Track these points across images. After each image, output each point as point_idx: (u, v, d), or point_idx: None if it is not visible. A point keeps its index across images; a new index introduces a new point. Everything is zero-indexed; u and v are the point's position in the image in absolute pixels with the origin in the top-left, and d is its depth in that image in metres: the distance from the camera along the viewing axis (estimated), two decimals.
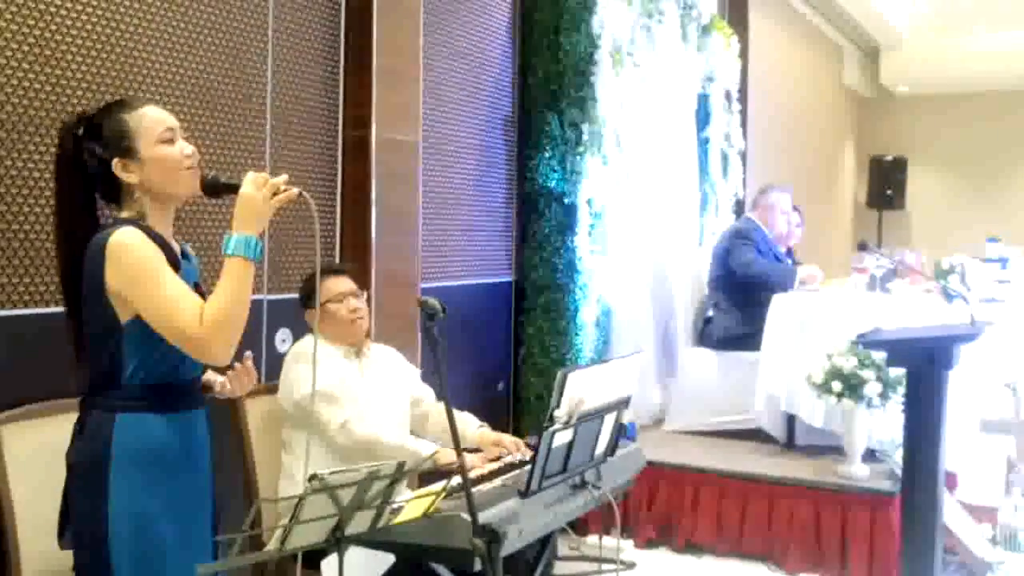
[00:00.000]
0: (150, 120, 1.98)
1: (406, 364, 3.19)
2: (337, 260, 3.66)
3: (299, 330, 3.29)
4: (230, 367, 2.12)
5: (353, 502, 1.89)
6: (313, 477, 1.80)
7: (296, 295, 3.17)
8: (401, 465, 1.93)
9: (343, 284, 3.00)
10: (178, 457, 1.97)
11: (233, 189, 1.96)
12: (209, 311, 1.86)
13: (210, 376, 2.19)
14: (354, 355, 3.01)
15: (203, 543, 2.02)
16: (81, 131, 1.98)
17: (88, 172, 1.97)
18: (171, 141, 1.98)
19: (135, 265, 1.87)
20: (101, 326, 1.92)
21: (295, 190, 1.95)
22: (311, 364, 2.81)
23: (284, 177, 1.97)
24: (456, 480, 2.20)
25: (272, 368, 3.34)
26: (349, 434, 2.79)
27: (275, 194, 1.94)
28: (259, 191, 1.92)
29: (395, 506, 2.06)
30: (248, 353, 2.19)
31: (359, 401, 2.89)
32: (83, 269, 1.92)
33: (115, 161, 1.95)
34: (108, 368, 1.93)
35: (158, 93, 2.92)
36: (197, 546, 1.99)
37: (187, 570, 1.88)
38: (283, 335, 3.43)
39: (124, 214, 1.97)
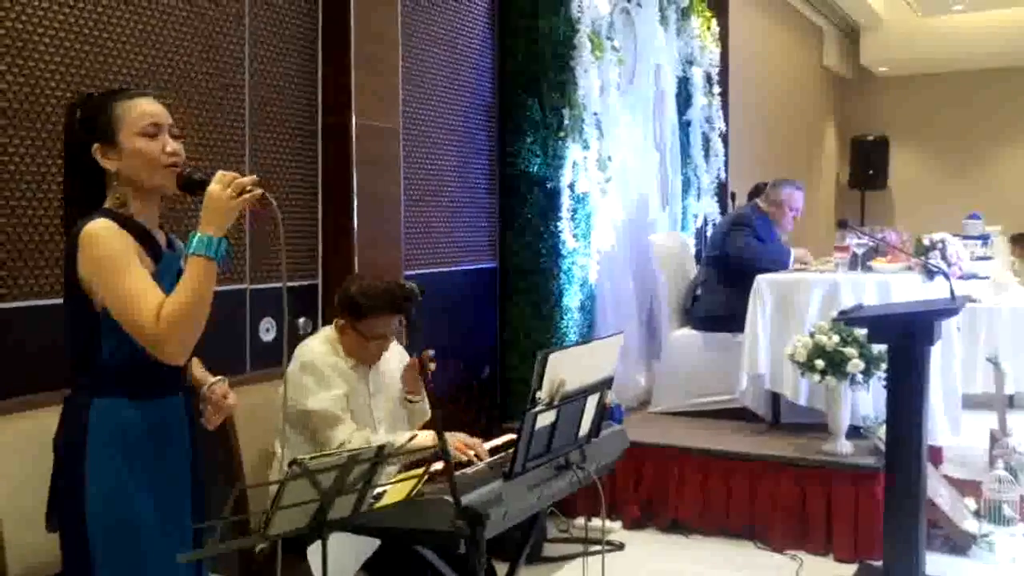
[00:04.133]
0: (137, 112, 1.96)
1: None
2: (320, 250, 3.65)
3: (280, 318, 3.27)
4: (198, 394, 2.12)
5: (334, 487, 1.89)
6: (294, 462, 1.80)
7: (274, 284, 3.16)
8: (381, 448, 1.94)
9: (389, 326, 2.88)
10: (152, 442, 1.97)
11: (204, 186, 1.93)
12: (166, 309, 1.85)
13: (201, 376, 2.17)
14: (364, 365, 2.94)
15: (182, 527, 2.01)
16: (78, 112, 1.98)
17: (76, 153, 1.97)
18: (153, 136, 1.96)
19: (102, 256, 1.87)
20: (77, 312, 1.93)
21: (259, 191, 1.91)
22: (320, 379, 2.76)
23: (253, 177, 1.94)
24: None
25: (256, 356, 3.34)
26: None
27: (240, 193, 1.90)
28: (225, 190, 1.89)
29: (377, 490, 2.06)
30: (222, 379, 2.16)
31: (359, 414, 2.86)
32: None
33: (95, 146, 1.95)
34: (84, 353, 1.94)
35: (134, 83, 2.90)
36: (175, 529, 1.99)
37: (165, 551, 1.90)
38: (267, 324, 3.42)
39: (107, 202, 1.96)
